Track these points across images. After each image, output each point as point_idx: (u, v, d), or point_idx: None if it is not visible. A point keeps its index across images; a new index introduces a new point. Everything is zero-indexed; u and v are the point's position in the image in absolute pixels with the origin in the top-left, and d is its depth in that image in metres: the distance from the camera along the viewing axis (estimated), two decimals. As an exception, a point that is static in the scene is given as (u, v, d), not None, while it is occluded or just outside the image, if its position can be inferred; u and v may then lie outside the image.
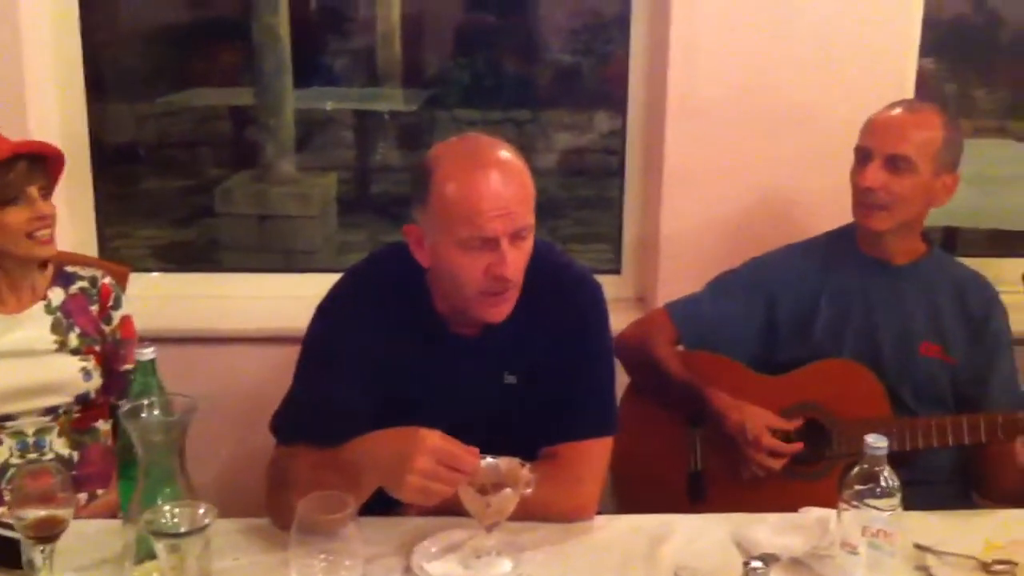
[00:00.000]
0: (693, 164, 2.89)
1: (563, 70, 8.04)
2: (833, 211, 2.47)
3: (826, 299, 2.36)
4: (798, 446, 2.22)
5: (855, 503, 1.57)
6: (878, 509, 1.56)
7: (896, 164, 2.24)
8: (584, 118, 7.80)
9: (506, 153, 1.83)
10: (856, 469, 1.59)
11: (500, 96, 7.71)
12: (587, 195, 7.41)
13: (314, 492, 1.50)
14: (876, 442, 1.58)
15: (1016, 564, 1.76)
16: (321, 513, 1.46)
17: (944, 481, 2.28)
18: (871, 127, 2.31)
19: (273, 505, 1.82)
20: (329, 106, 6.96)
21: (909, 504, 1.64)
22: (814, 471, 2.23)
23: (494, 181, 1.76)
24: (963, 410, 2.26)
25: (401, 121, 7.45)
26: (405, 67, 7.51)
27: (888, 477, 1.56)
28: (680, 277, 2.80)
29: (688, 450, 2.35)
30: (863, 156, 2.30)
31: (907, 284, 2.35)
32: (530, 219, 1.82)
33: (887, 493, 1.56)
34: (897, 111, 2.32)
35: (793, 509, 1.91)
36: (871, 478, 1.57)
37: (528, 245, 1.83)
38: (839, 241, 2.43)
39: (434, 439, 1.63)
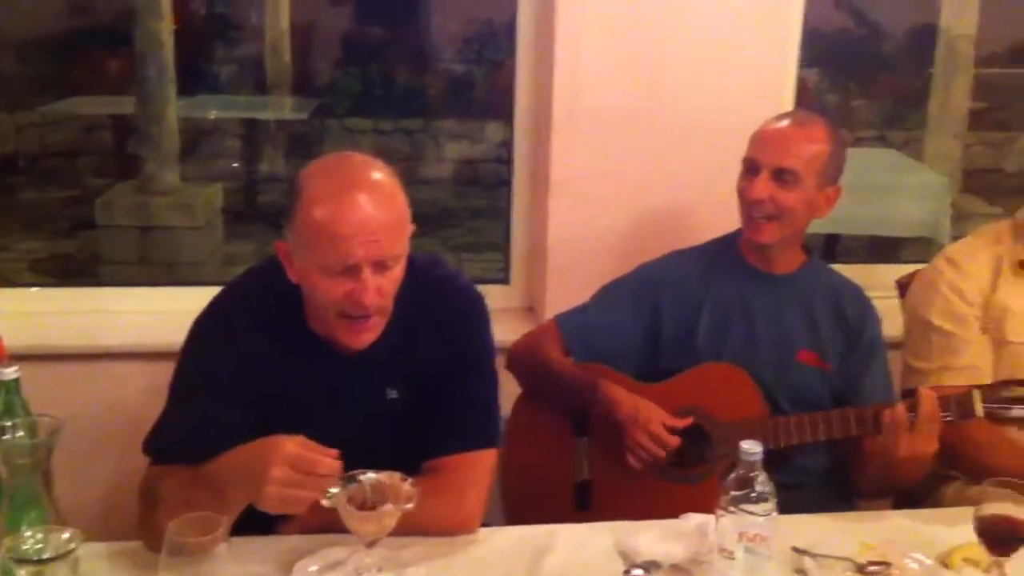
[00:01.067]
0: (579, 174, 2.90)
1: (454, 79, 8.05)
2: (718, 220, 2.50)
3: (708, 307, 2.39)
4: (677, 440, 2.24)
5: (732, 508, 1.59)
6: (754, 514, 1.57)
7: (783, 177, 2.28)
8: (476, 127, 7.84)
9: (379, 175, 1.79)
10: (732, 475, 1.60)
11: (391, 105, 7.70)
12: (479, 205, 7.44)
13: (184, 512, 1.45)
14: (751, 448, 1.60)
15: (890, 564, 1.80)
16: (191, 534, 1.42)
17: (819, 484, 2.33)
18: (759, 139, 2.35)
19: (145, 527, 1.77)
20: (214, 115, 6.87)
21: (786, 507, 1.66)
22: (696, 474, 2.26)
23: (361, 207, 1.72)
24: None
25: (290, 130, 7.39)
26: (294, 75, 7.46)
27: (763, 482, 1.58)
28: (568, 287, 2.80)
29: (575, 460, 2.36)
30: (751, 168, 2.33)
31: (786, 293, 2.39)
32: (398, 247, 1.78)
33: (762, 498, 1.58)
34: (785, 124, 2.35)
35: (675, 513, 1.92)
36: (746, 483, 1.59)
37: (397, 272, 1.80)
38: (722, 249, 2.47)
39: (288, 446, 1.60)
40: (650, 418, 2.23)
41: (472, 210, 7.30)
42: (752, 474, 1.59)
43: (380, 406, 1.91)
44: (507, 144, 3.18)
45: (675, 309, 2.40)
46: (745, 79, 2.88)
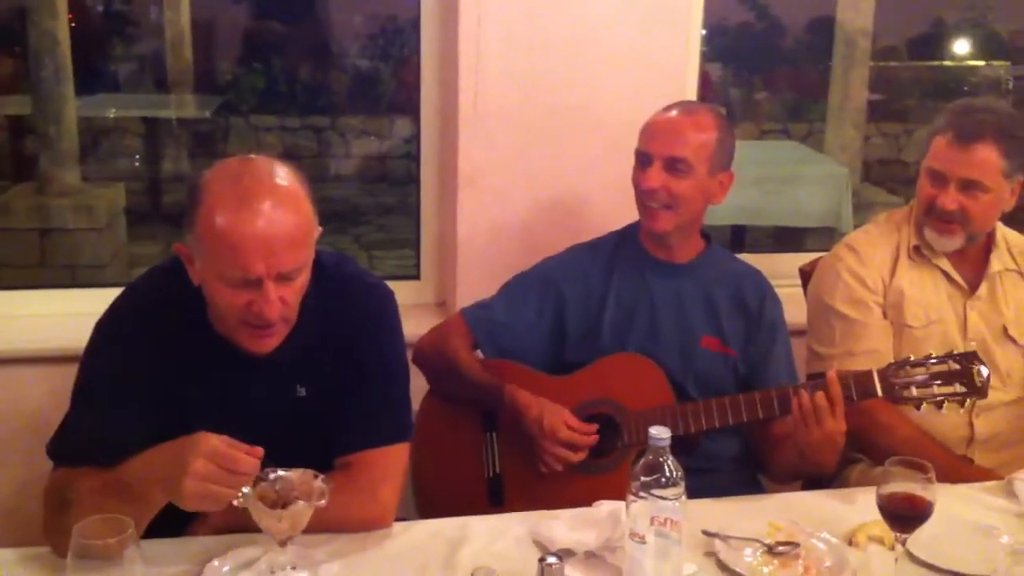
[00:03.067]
0: (487, 168, 2.90)
1: (361, 75, 7.99)
2: (622, 210, 2.52)
3: (612, 299, 2.41)
4: (593, 439, 2.26)
5: (642, 494, 1.60)
6: (664, 499, 1.59)
7: (675, 166, 2.31)
8: (384, 124, 7.79)
9: (283, 181, 1.74)
10: (641, 461, 1.62)
11: (297, 102, 7.61)
12: (389, 202, 7.40)
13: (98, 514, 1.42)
14: (659, 434, 1.61)
15: (798, 544, 1.84)
16: (98, 537, 1.39)
17: (728, 468, 2.36)
18: (649, 130, 2.37)
19: (52, 531, 1.73)
20: (114, 113, 6.71)
21: (696, 492, 1.69)
22: (607, 463, 2.27)
23: (263, 217, 1.67)
24: None
25: (193, 128, 7.26)
26: (196, 73, 7.32)
27: (672, 467, 1.60)
28: (479, 281, 2.80)
29: (485, 454, 2.36)
30: (643, 159, 2.36)
31: (688, 281, 2.43)
32: (302, 258, 1.75)
33: (672, 482, 1.60)
34: (673, 113, 2.38)
35: (588, 502, 1.93)
36: (656, 468, 1.60)
37: (301, 281, 1.77)
38: (623, 241, 2.49)
39: (210, 441, 1.58)
40: (556, 427, 2.23)
41: (382, 207, 7.26)
42: (661, 459, 1.60)
43: (289, 405, 1.89)
44: (415, 140, 3.16)
45: (579, 302, 2.42)
46: (649, 74, 2.91)
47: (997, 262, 2.49)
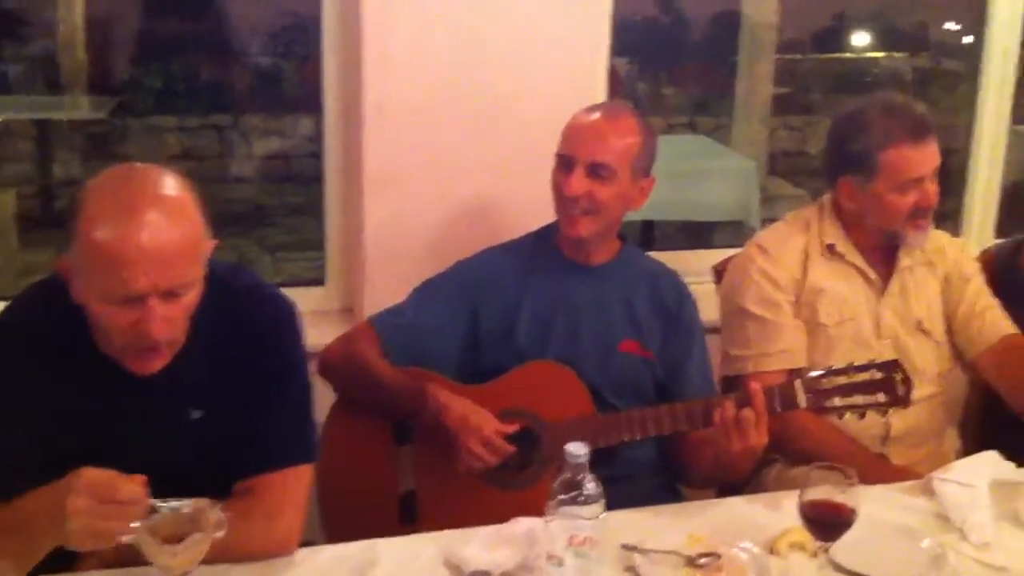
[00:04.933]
0: (395, 169, 2.82)
1: (263, 73, 7.82)
2: (536, 212, 2.46)
3: (528, 303, 2.34)
4: (511, 449, 2.18)
5: (560, 512, 1.54)
6: (582, 518, 1.53)
7: (598, 172, 2.24)
8: (287, 122, 7.64)
9: (170, 191, 1.64)
10: (559, 478, 1.56)
11: (197, 101, 7.41)
12: (296, 202, 7.25)
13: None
14: (576, 451, 1.55)
15: (719, 555, 1.79)
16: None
17: (647, 475, 2.31)
18: (571, 134, 2.30)
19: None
20: (3, 117, 6.47)
21: (614, 501, 1.63)
22: (525, 477, 2.20)
23: (147, 230, 1.57)
24: (662, 403, 2.29)
25: (88, 130, 7.02)
26: (90, 73, 7.09)
27: (591, 484, 1.54)
28: (387, 286, 2.71)
29: (398, 470, 2.26)
30: (565, 164, 2.29)
31: (605, 284, 2.37)
32: (191, 273, 1.65)
33: (591, 500, 1.54)
34: (596, 117, 2.31)
35: (505, 519, 1.86)
36: (574, 486, 1.54)
37: (189, 299, 1.66)
38: (539, 243, 2.42)
39: (88, 475, 1.49)
40: (481, 424, 2.15)
41: (288, 207, 7.11)
42: (579, 476, 1.54)
43: (183, 428, 1.78)
44: (320, 139, 3.06)
45: (494, 307, 2.34)
46: (558, 69, 2.85)
47: (907, 257, 2.49)
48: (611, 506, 1.60)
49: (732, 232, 5.65)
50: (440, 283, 2.40)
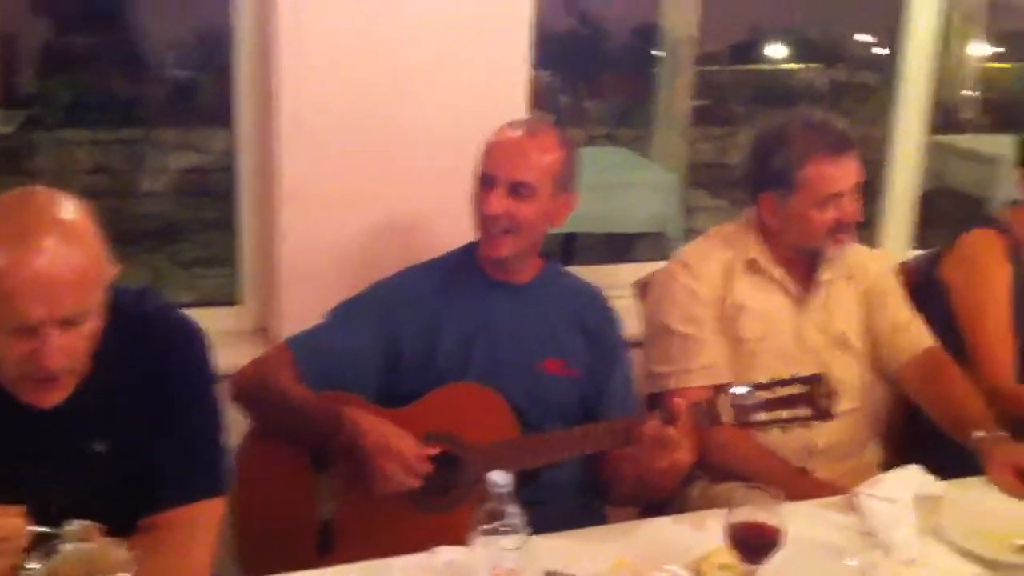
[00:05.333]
0: (311, 184, 2.74)
1: (176, 86, 7.65)
2: (456, 229, 2.41)
3: (449, 323, 2.28)
4: (430, 467, 2.13)
5: (483, 543, 1.49)
6: (506, 548, 1.48)
7: (519, 191, 2.20)
8: (201, 136, 7.48)
9: (68, 216, 1.56)
10: (482, 508, 1.51)
11: (108, 115, 7.23)
12: (210, 216, 7.10)
13: None
14: (499, 480, 1.51)
15: (646, 580, 1.76)
16: None
17: (570, 496, 2.27)
18: (492, 152, 2.26)
19: None
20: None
21: (537, 524, 1.60)
22: (447, 502, 2.14)
23: (42, 257, 1.50)
24: (588, 422, 2.25)
25: (-6, 145, 6.83)
26: (-2, 86, 6.90)
27: (514, 513, 1.50)
28: (305, 305, 2.61)
29: (316, 498, 2.19)
30: (486, 182, 2.24)
31: (528, 302, 2.33)
32: (90, 300, 1.57)
33: (514, 530, 1.50)
34: (517, 134, 2.27)
35: (429, 547, 1.82)
36: (497, 516, 1.50)
37: (89, 327, 1.59)
38: (460, 262, 2.38)
39: None
40: (401, 447, 2.09)
41: (202, 222, 6.97)
42: (503, 506, 1.50)
43: (85, 462, 1.69)
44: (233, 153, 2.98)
45: (414, 328, 2.28)
46: (478, 83, 2.80)
47: (827, 271, 2.49)
48: (534, 530, 1.57)
49: (653, 244, 5.66)
50: (358, 304, 2.33)
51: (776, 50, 8.56)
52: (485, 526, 1.50)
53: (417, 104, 2.77)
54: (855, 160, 2.38)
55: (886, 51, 8.70)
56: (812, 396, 2.01)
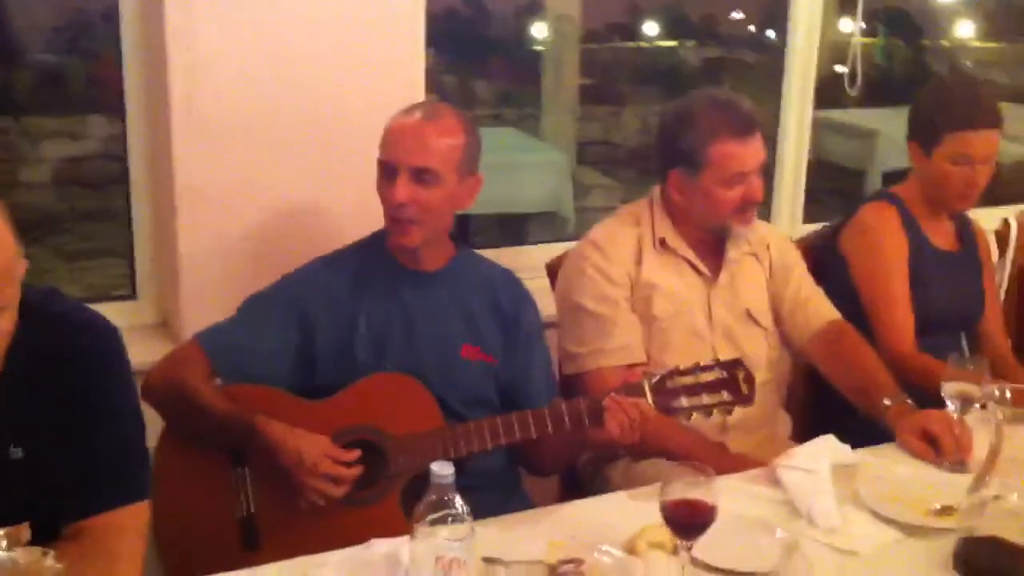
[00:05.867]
0: (208, 177, 2.66)
1: (47, 72, 7.33)
2: (360, 217, 2.38)
3: (364, 315, 2.25)
4: (358, 470, 2.09)
5: (426, 534, 1.48)
6: (449, 539, 1.47)
7: (423, 177, 2.17)
8: (76, 123, 7.19)
9: None
10: (424, 500, 1.49)
11: (-27, 104, 6.90)
12: (91, 207, 6.84)
13: None
14: (441, 470, 1.49)
15: (582, 561, 1.76)
16: None
17: (495, 482, 2.26)
18: (392, 139, 2.21)
19: None
20: None
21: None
22: (373, 494, 2.11)
23: None
24: (508, 407, 2.26)
25: None
26: None
27: (458, 504, 1.49)
28: (206, 298, 2.60)
29: (236, 494, 2.13)
30: (388, 170, 2.20)
31: (442, 289, 2.30)
32: (6, 296, 1.53)
33: (458, 520, 1.49)
34: (415, 118, 2.22)
35: (356, 539, 1.79)
36: (440, 506, 1.48)
37: (3, 324, 1.54)
38: (369, 252, 2.33)
39: None
40: (318, 459, 2.04)
41: (81, 213, 6.72)
42: (445, 497, 1.48)
43: (2, 468, 1.63)
44: (116, 140, 2.87)
45: (327, 320, 2.24)
46: (374, 69, 2.75)
47: (734, 249, 2.53)
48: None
49: (546, 224, 5.69)
50: (269, 298, 2.28)
51: (654, 28, 8.67)
52: (428, 517, 1.48)
53: (313, 91, 2.71)
54: (759, 140, 2.43)
55: (763, 30, 8.92)
56: (733, 381, 2.05)
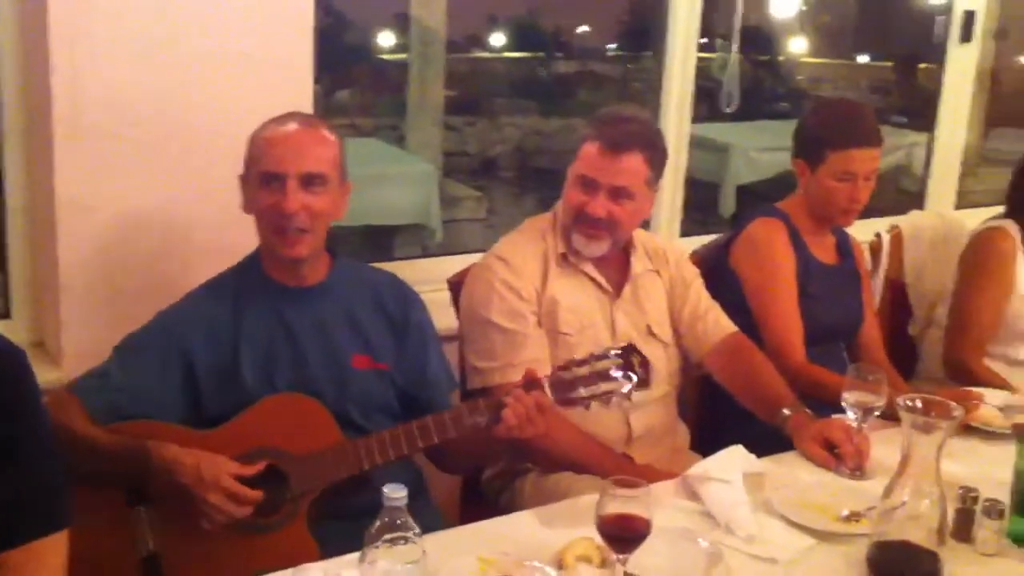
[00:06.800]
0: (88, 192, 2.55)
1: None
2: (241, 235, 2.33)
3: (246, 340, 2.19)
4: (259, 493, 2.04)
5: (375, 558, 1.46)
6: (402, 562, 1.46)
7: (312, 183, 2.15)
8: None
9: None
10: (377, 523, 1.48)
11: None
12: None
13: None
14: (393, 493, 1.48)
15: (514, 577, 1.77)
16: None
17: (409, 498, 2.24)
18: (275, 149, 2.17)
19: None
20: None
21: None
22: (278, 519, 2.06)
23: None
24: (410, 412, 2.25)
25: None
26: None
27: (409, 526, 1.47)
28: (87, 317, 2.52)
29: (135, 533, 2.04)
30: (272, 181, 2.15)
31: (324, 302, 2.27)
32: None
33: (409, 542, 1.47)
34: (294, 127, 2.19)
35: (266, 567, 1.74)
36: (391, 529, 1.47)
37: None
38: (245, 275, 2.28)
39: None
40: (218, 475, 1.98)
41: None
42: (398, 520, 1.47)
43: None
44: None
45: (208, 351, 2.17)
46: (262, 85, 2.68)
47: (638, 264, 2.58)
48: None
49: (412, 236, 5.67)
50: (145, 337, 2.20)
51: (508, 40, 8.77)
52: (378, 541, 1.46)
53: (201, 111, 2.64)
54: (630, 160, 2.42)
55: (607, 43, 9.12)
56: (628, 367, 2.07)
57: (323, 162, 2.16)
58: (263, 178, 2.16)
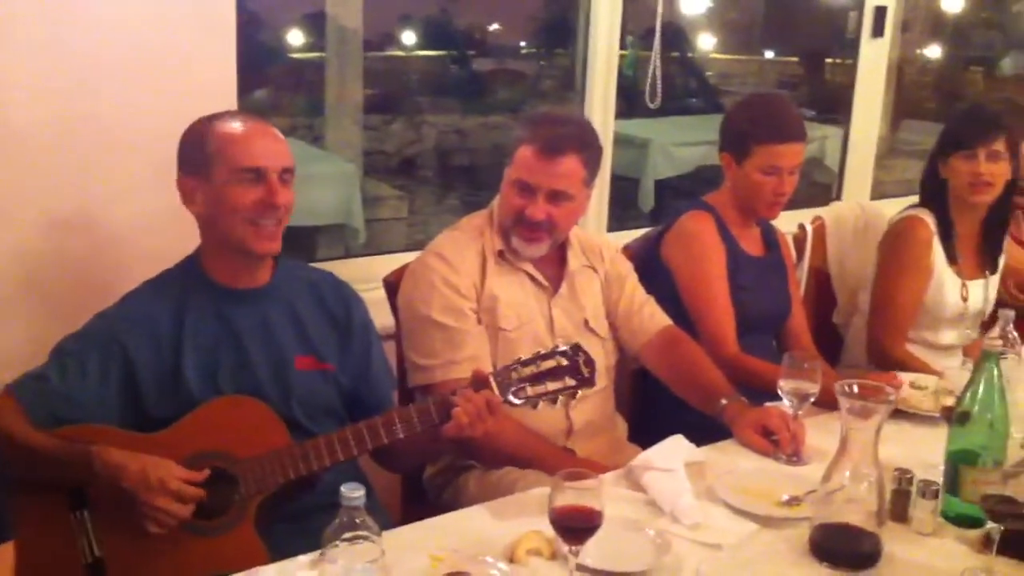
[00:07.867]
0: (16, 195, 2.51)
1: None
2: (169, 235, 2.33)
3: (189, 342, 2.16)
4: (201, 492, 2.01)
5: (337, 559, 1.46)
6: (362, 561, 1.46)
7: (284, 177, 2.17)
8: None
9: None
10: (336, 522, 1.47)
11: None
12: None
13: None
14: (351, 492, 1.48)
15: (468, 573, 1.77)
16: None
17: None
18: (251, 143, 2.15)
19: None
20: None
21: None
22: (227, 521, 2.04)
23: None
24: (353, 411, 2.26)
25: None
26: None
27: (368, 526, 1.47)
28: (9, 320, 2.45)
29: (78, 539, 2.01)
30: (254, 176, 2.13)
31: (268, 303, 2.25)
32: None
33: (370, 541, 1.47)
34: (257, 121, 2.20)
35: (210, 570, 1.74)
36: (350, 528, 1.47)
37: None
38: (187, 275, 2.24)
39: None
40: (163, 477, 1.95)
41: None
42: (357, 519, 1.46)
43: None
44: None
45: (149, 354, 2.14)
46: (187, 84, 2.65)
47: (574, 261, 2.61)
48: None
49: (334, 236, 5.62)
50: (83, 339, 2.15)
51: (419, 38, 8.74)
52: (337, 541, 1.46)
53: (125, 112, 2.60)
54: (567, 163, 2.45)
55: (517, 41, 9.15)
56: (574, 366, 2.10)
57: (291, 157, 2.19)
58: (240, 173, 2.13)
